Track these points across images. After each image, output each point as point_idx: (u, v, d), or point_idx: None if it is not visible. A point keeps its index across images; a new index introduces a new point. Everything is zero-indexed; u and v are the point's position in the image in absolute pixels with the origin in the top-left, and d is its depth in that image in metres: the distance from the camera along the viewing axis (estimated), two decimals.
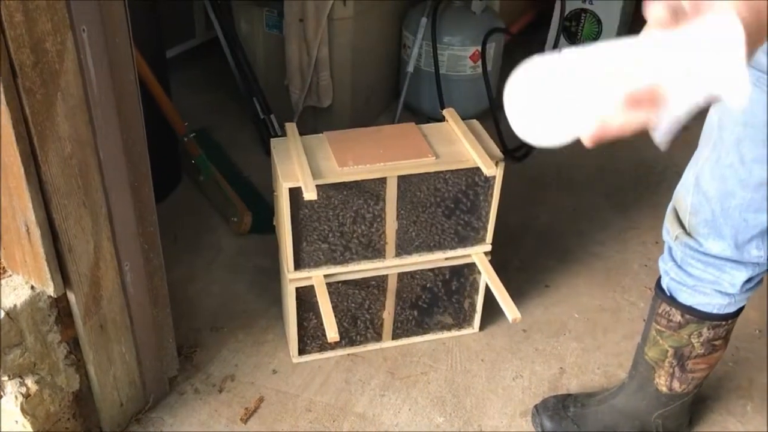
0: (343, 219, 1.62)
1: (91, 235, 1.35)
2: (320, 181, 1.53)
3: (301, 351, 1.84)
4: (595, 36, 3.23)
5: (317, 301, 1.64)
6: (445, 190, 1.65)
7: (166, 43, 2.89)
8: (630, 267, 2.20)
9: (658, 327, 1.51)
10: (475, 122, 1.78)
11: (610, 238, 2.31)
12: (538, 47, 3.32)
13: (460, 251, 1.77)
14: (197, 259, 2.17)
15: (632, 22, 3.60)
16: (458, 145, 1.67)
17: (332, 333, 1.53)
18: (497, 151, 1.66)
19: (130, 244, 1.46)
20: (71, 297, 1.38)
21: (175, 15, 3.01)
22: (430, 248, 1.74)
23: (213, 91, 2.99)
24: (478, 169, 1.62)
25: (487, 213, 1.72)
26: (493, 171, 1.59)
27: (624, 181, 2.61)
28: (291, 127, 1.69)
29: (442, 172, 1.62)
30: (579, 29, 3.25)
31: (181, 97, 2.66)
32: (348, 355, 1.86)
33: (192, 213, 2.34)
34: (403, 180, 1.60)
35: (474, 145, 1.64)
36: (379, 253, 1.70)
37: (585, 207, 2.46)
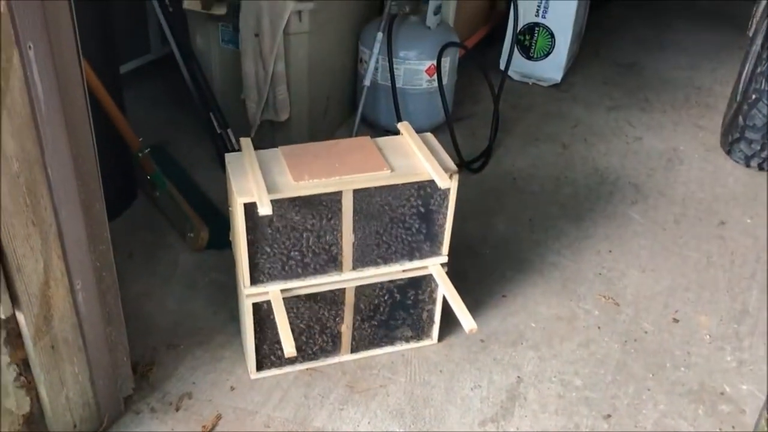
0: (300, 233, 1.62)
1: (40, 253, 1.33)
2: (275, 196, 1.53)
3: (260, 366, 1.83)
4: (548, 50, 3.29)
5: (274, 317, 1.64)
6: (400, 203, 1.67)
7: (121, 58, 2.86)
8: (585, 276, 2.24)
9: None
10: (429, 135, 1.80)
11: (566, 248, 2.35)
12: (493, 60, 3.38)
13: (416, 263, 1.78)
14: (153, 275, 2.14)
15: (585, 36, 3.68)
16: (413, 158, 1.69)
17: (289, 348, 1.53)
18: (451, 164, 1.68)
19: (82, 262, 1.43)
20: (20, 317, 1.36)
21: (130, 30, 2.99)
22: (387, 261, 1.75)
23: (169, 106, 2.96)
24: (432, 181, 1.64)
25: (443, 225, 1.74)
26: (448, 183, 1.61)
27: (578, 192, 2.65)
28: (246, 142, 1.68)
29: (397, 185, 1.63)
30: (532, 43, 3.31)
31: (137, 112, 2.63)
32: (307, 369, 1.86)
33: (148, 229, 2.31)
34: (358, 193, 1.61)
35: (428, 157, 1.66)
36: (336, 266, 1.71)
37: (541, 217, 2.50)
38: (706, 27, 4.17)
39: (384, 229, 1.69)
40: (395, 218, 1.68)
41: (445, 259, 1.79)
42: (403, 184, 1.64)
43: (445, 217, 1.72)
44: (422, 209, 1.69)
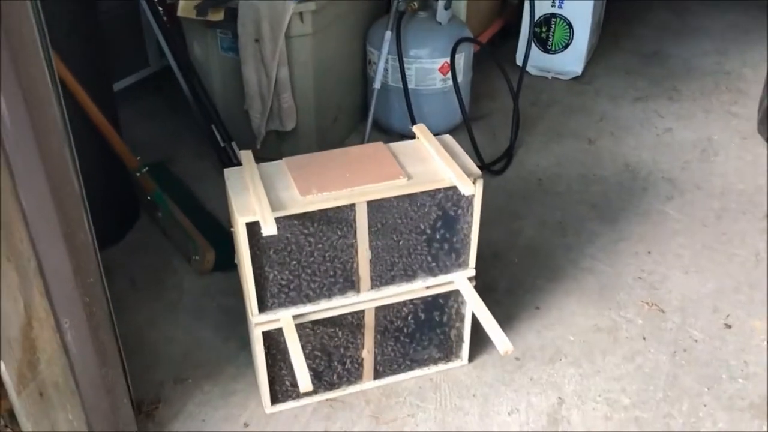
0: (310, 253, 1.47)
1: (19, 292, 1.18)
2: (280, 213, 1.38)
3: (275, 399, 1.67)
4: (567, 41, 3.12)
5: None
6: (420, 214, 1.50)
7: (119, 74, 2.74)
8: (624, 281, 2.06)
9: None
10: (448, 137, 1.64)
11: (600, 251, 2.17)
12: (509, 56, 3.21)
13: (441, 278, 1.61)
14: (158, 303, 1.99)
15: (603, 25, 3.51)
16: (431, 164, 1.53)
17: (305, 383, 1.37)
18: (474, 168, 1.52)
19: (69, 298, 1.29)
20: (0, 365, 1.21)
21: (127, 45, 2.86)
22: (409, 277, 1.59)
23: (170, 121, 2.82)
24: (454, 188, 1.48)
25: (468, 235, 1.57)
26: (471, 189, 1.45)
27: (608, 190, 2.48)
28: (246, 155, 1.53)
29: (415, 194, 1.47)
30: (550, 35, 3.14)
31: (137, 129, 2.51)
32: (327, 400, 1.70)
33: (151, 253, 2.17)
34: (373, 205, 1.45)
35: (449, 162, 1.50)
36: (352, 286, 1.55)
37: (571, 219, 2.32)
38: (728, 9, 3.97)
39: (403, 243, 1.53)
40: (415, 230, 1.52)
41: (472, 272, 1.62)
42: (422, 193, 1.47)
43: (470, 227, 1.56)
44: (444, 219, 1.53)
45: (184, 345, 1.86)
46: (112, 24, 2.59)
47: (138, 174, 2.11)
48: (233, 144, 2.41)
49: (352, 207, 1.44)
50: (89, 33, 2.00)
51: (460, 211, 1.53)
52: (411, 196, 1.47)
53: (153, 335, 1.89)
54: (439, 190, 1.48)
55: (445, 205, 1.51)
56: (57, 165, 1.18)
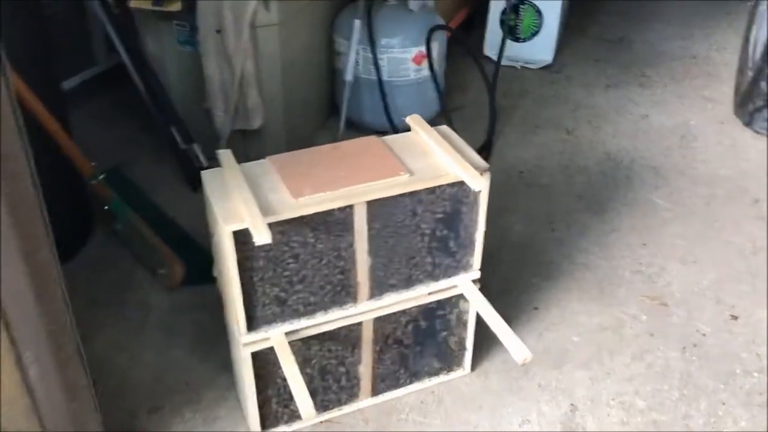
0: (304, 261, 1.31)
1: None
2: (273, 219, 1.22)
3: (264, 425, 1.50)
4: (536, 29, 3.02)
5: (278, 365, 1.32)
6: (423, 213, 1.36)
7: (62, 74, 2.52)
8: (621, 275, 1.96)
9: None
10: (445, 128, 1.50)
11: (593, 245, 2.07)
12: (477, 44, 3.11)
13: (443, 283, 1.48)
14: (123, 323, 1.80)
15: (570, 9, 3.43)
16: (433, 157, 1.39)
17: (307, 409, 1.21)
18: (480, 160, 1.39)
19: (30, 329, 1.10)
20: None
21: (69, 42, 2.63)
22: (410, 284, 1.44)
23: (124, 123, 2.61)
24: (461, 183, 1.34)
25: (473, 234, 1.44)
26: (480, 184, 1.32)
27: (593, 180, 2.38)
28: (226, 155, 1.36)
29: (419, 191, 1.33)
30: (518, 22, 3.03)
31: (87, 133, 2.28)
32: (321, 422, 1.54)
33: (111, 269, 1.97)
34: (373, 206, 1.31)
35: (452, 155, 1.36)
36: (350, 297, 1.40)
37: (559, 212, 2.22)
38: None
39: (405, 246, 1.39)
40: (417, 231, 1.38)
41: (477, 274, 1.49)
42: (426, 190, 1.33)
43: (475, 225, 1.43)
44: (449, 217, 1.39)
45: (156, 368, 1.68)
46: (53, 21, 2.37)
47: (93, 182, 1.91)
48: (195, 146, 2.22)
49: (350, 208, 1.29)
50: (35, 26, 1.79)
51: (465, 209, 1.40)
52: (414, 194, 1.33)
53: (120, 359, 1.70)
54: (444, 186, 1.34)
55: (450, 202, 1.37)
56: (13, 172, 0.99)
